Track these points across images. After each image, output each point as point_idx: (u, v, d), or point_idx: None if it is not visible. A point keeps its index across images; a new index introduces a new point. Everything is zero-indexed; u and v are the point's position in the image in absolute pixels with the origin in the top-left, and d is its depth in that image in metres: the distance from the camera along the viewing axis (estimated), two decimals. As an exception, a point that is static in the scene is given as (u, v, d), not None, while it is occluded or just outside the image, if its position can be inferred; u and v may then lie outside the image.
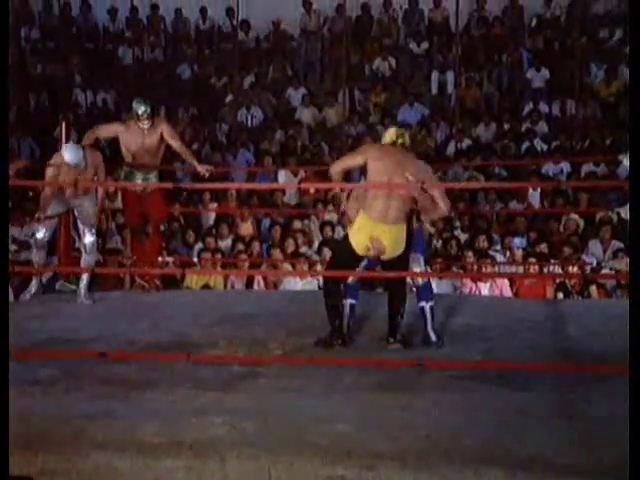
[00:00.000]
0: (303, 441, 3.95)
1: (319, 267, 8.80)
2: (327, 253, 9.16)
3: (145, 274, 7.59)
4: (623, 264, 8.83)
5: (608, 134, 12.22)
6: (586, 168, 11.38)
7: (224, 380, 4.80)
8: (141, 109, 7.24)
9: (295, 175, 11.57)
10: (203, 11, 15.37)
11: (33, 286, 7.10)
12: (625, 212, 9.77)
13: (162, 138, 7.38)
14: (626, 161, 6.14)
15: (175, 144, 7.42)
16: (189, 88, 14.60)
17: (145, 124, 7.24)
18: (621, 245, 9.30)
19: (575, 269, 8.71)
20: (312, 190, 11.13)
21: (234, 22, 14.52)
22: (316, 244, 9.78)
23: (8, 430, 3.59)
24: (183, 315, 6.28)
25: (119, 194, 8.60)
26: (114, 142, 7.79)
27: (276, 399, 4.51)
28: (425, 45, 14.42)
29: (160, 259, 7.94)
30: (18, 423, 3.95)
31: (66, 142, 7.47)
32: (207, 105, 14.04)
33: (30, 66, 14.86)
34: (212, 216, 10.83)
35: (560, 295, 8.47)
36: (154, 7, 15.41)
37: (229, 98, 14.14)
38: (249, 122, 13.77)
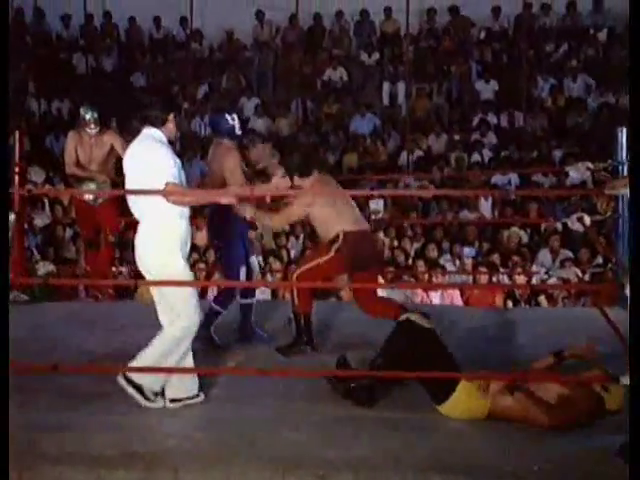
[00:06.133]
0: (256, 451, 4.00)
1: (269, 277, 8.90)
2: (273, 262, 9.25)
3: (98, 285, 7.60)
4: (571, 273, 9.04)
5: (555, 146, 12.48)
6: (534, 179, 11.61)
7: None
8: (88, 114, 7.29)
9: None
10: (157, 20, 15.39)
11: None
12: (572, 222, 9.97)
13: (112, 149, 7.42)
14: (572, 172, 6.25)
15: None
16: (143, 97, 14.57)
17: (92, 129, 7.28)
18: (569, 254, 9.51)
19: (522, 278, 8.89)
20: (267, 199, 11.18)
21: (187, 31, 14.56)
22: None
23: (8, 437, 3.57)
24: (136, 325, 6.28)
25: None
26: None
27: (229, 409, 4.56)
28: (376, 56, 14.57)
29: (114, 269, 7.96)
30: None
31: (20, 152, 7.45)
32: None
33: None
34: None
35: (509, 303, 8.64)
36: (107, 14, 15.39)
37: (183, 107, 14.17)
38: (203, 131, 13.81)
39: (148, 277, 4.65)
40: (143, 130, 4.68)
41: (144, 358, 4.59)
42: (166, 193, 4.46)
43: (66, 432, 4.23)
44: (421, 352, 4.48)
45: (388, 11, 14.57)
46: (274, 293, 8.86)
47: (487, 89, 13.75)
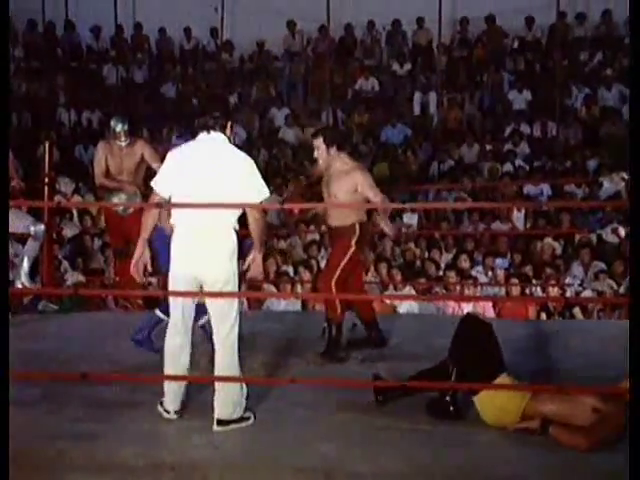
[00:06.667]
0: (286, 462, 3.96)
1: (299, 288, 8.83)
2: (304, 273, 9.17)
3: (127, 295, 7.57)
4: (605, 285, 8.90)
5: (589, 156, 12.33)
6: (567, 189, 11.47)
7: (206, 401, 4.79)
8: (118, 126, 7.27)
9: (279, 195, 11.58)
10: (187, 31, 15.45)
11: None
12: (606, 234, 9.85)
13: (142, 160, 7.40)
14: (607, 183, 6.14)
15: (157, 166, 7.41)
16: (173, 107, 14.63)
17: (122, 141, 7.27)
18: (602, 266, 9.36)
19: (556, 290, 8.75)
20: (296, 210, 11.14)
21: (218, 42, 14.59)
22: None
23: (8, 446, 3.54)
24: (165, 335, 6.24)
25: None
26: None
27: (259, 419, 4.51)
28: (408, 66, 14.53)
29: (143, 279, 7.91)
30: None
31: (49, 162, 7.44)
32: (191, 125, 14.07)
33: (13, 85, 14.84)
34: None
35: (543, 315, 8.51)
36: (137, 26, 15.47)
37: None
38: (233, 141, 13.75)
39: (209, 287, 4.46)
40: (203, 135, 4.54)
41: (231, 389, 4.42)
42: (260, 209, 4.42)
43: (95, 442, 4.20)
44: (478, 341, 4.58)
45: (420, 21, 14.53)
46: (304, 304, 8.78)
47: (520, 99, 13.66)
